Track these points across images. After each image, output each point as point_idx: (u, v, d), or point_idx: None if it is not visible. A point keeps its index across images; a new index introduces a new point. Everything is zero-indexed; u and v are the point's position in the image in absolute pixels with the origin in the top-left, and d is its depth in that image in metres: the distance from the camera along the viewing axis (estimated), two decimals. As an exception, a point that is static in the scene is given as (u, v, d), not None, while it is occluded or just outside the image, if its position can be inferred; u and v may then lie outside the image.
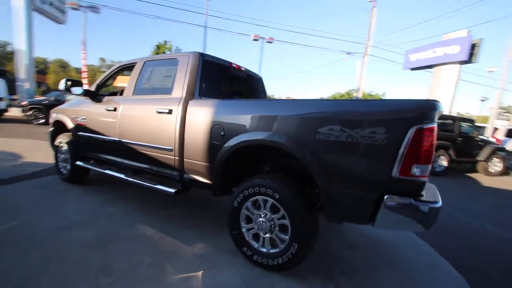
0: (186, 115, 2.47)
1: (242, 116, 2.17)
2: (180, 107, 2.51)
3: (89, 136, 3.41)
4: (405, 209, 1.56)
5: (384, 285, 2.10)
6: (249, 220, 2.19)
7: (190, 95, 2.55)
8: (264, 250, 2.10)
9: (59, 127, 4.04)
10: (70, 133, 3.81)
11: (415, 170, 1.53)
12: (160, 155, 2.68)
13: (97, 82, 3.54)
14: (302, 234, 1.90)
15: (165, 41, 29.31)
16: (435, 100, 1.58)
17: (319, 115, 1.79)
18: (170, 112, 2.55)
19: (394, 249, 2.76)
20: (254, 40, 18.89)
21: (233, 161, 2.25)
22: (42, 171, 4.42)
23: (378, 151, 1.59)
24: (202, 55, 2.69)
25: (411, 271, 2.35)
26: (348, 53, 21.72)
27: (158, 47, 28.98)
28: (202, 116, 2.37)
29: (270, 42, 18.96)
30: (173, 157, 2.58)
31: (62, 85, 3.36)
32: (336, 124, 1.70)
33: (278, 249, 2.03)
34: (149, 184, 2.75)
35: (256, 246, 2.14)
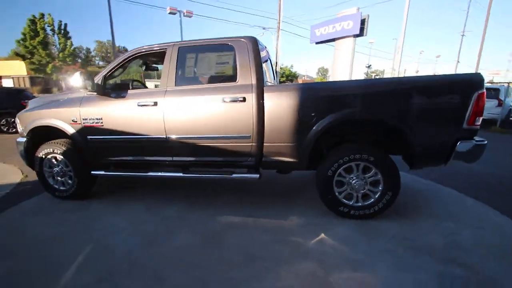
0: (265, 101, 2.54)
1: (332, 96, 2.47)
2: (254, 94, 2.55)
3: (111, 139, 2.92)
4: (471, 148, 2.31)
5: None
6: (340, 184, 2.60)
7: (261, 81, 2.61)
8: (359, 204, 2.59)
9: (39, 135, 3.21)
10: (68, 140, 3.12)
11: (477, 121, 2.28)
12: (232, 144, 2.68)
13: (103, 73, 2.96)
14: (395, 183, 2.47)
15: (42, 14, 23.11)
16: (480, 74, 2.32)
17: (410, 90, 2.31)
18: (243, 100, 2.56)
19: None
20: (171, 13, 17.26)
21: (319, 137, 2.55)
22: (9, 195, 3.45)
23: (454, 110, 2.26)
24: (257, 40, 2.72)
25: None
26: (264, 28, 22.69)
27: (32, 21, 22.65)
28: (286, 101, 2.51)
29: (190, 16, 17.75)
30: (250, 144, 2.64)
31: (77, 80, 2.69)
32: (425, 94, 2.27)
33: (372, 200, 2.56)
34: (226, 175, 2.74)
35: (351, 203, 2.60)
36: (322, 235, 2.36)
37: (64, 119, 3.01)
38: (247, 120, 2.58)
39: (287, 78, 38.01)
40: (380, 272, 1.86)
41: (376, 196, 2.55)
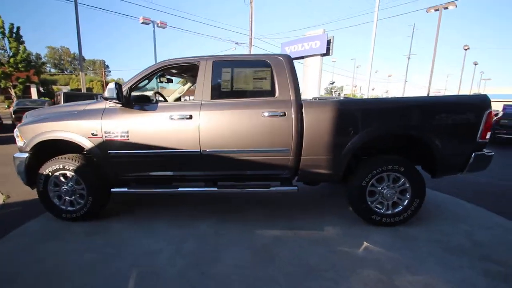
0: (304, 116, 2.65)
1: (369, 112, 2.67)
2: (294, 109, 2.65)
3: (137, 153, 2.74)
4: (482, 158, 2.68)
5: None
6: (372, 194, 2.78)
7: (299, 97, 2.72)
8: (389, 212, 2.79)
9: (44, 150, 2.90)
10: (80, 155, 2.88)
11: (487, 135, 2.66)
12: (270, 157, 2.72)
13: (129, 84, 2.81)
14: (421, 191, 2.72)
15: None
16: (487, 95, 2.73)
17: (438, 107, 2.62)
18: (284, 114, 2.64)
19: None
20: (144, 23, 16.75)
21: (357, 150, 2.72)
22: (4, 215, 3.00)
23: (471, 126, 2.62)
24: (292, 58, 2.85)
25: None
26: (236, 43, 23.20)
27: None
28: (324, 116, 2.64)
29: (163, 27, 17.40)
30: (288, 157, 2.71)
31: (111, 92, 2.50)
32: (449, 112, 2.59)
33: (401, 208, 2.77)
34: (264, 189, 2.75)
35: (382, 211, 2.79)
36: (365, 243, 2.48)
37: (81, 132, 2.76)
38: (286, 134, 2.65)
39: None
40: (435, 274, 2.02)
41: (405, 203, 2.77)
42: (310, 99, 7.66)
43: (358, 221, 2.87)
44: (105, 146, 2.76)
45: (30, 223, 2.89)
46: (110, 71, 62.18)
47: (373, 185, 2.75)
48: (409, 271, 2.06)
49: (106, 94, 2.58)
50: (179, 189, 2.81)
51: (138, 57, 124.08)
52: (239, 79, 2.86)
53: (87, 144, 2.77)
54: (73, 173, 2.83)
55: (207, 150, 2.71)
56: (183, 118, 2.69)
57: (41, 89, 30.44)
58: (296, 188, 2.75)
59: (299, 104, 2.68)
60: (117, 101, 2.64)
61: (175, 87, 4.27)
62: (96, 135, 2.74)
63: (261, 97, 2.76)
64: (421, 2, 28.00)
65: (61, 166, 2.81)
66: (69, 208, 2.92)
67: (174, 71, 3.54)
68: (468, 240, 2.56)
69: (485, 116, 2.61)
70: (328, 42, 21.78)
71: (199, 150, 2.71)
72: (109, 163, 2.81)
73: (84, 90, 16.31)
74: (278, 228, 2.78)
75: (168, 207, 3.32)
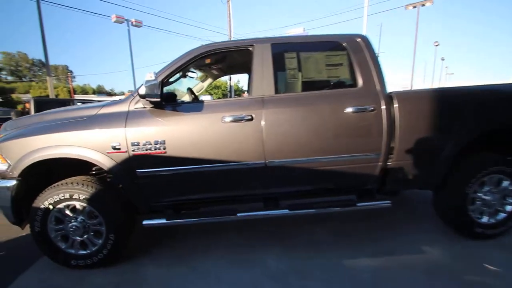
0: (397, 110, 2.09)
1: (484, 102, 2.17)
2: (384, 102, 2.08)
3: (179, 170, 2.01)
4: None
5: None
6: (473, 201, 2.29)
7: (385, 87, 2.16)
8: (492, 221, 2.30)
9: (36, 174, 2.07)
10: (91, 177, 2.09)
11: None
12: (354, 165, 2.13)
13: (161, 77, 2.05)
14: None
15: None
16: None
17: None
18: (372, 110, 2.06)
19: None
20: (117, 22, 15.35)
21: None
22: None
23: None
24: (368, 38, 2.28)
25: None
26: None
27: None
28: (422, 110, 2.10)
29: (138, 26, 16.11)
30: (377, 163, 2.14)
31: (152, 87, 1.74)
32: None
33: (504, 215, 2.30)
34: (350, 206, 2.15)
35: (484, 221, 2.30)
36: (488, 266, 1.97)
37: (97, 146, 1.97)
38: (376, 134, 2.07)
39: (235, 93, 38.00)
40: None
41: (508, 209, 2.31)
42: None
43: (449, 234, 2.38)
44: (133, 163, 1.99)
45: (21, 279, 2.03)
46: (74, 77, 57.85)
47: (475, 192, 2.26)
48: None
49: (144, 90, 1.82)
50: (238, 215, 2.11)
51: (108, 60, 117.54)
52: (308, 66, 2.21)
53: (106, 162, 1.98)
54: (85, 204, 2.02)
55: (274, 160, 2.05)
56: (240, 120, 2.00)
57: (-1, 98, 27.48)
58: (389, 202, 2.17)
59: (389, 96, 2.11)
60: (153, 100, 1.89)
61: (175, 87, 3.51)
62: (119, 149, 1.97)
63: (339, 88, 2.16)
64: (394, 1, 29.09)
65: (67, 196, 1.99)
66: (81, 252, 2.10)
67: (225, 58, 2.80)
68: None
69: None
70: (310, 40, 21.72)
71: (263, 161, 2.04)
72: (138, 186, 2.05)
73: (52, 96, 14.56)
74: (366, 254, 2.19)
75: (207, 235, 2.58)
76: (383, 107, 2.06)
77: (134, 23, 15.95)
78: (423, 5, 16.84)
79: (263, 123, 2.01)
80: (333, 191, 2.33)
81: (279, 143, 2.04)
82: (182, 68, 2.15)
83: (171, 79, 2.24)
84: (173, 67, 2.10)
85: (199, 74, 3.24)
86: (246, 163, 2.04)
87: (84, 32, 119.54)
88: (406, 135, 2.12)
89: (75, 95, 35.56)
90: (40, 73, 52.22)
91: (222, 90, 33.62)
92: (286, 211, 2.14)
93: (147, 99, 1.87)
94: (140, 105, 2.04)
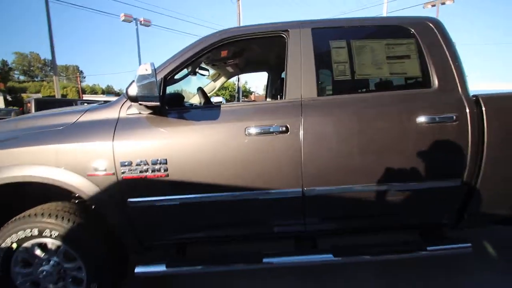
0: (488, 121, 1.50)
1: None
2: (469, 109, 1.49)
3: (184, 200, 1.47)
4: None
5: None
6: None
7: (466, 88, 1.57)
8: None
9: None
10: (70, 205, 1.55)
11: None
12: (425, 193, 1.55)
13: (163, 72, 1.52)
14: None
15: None
16: None
17: None
18: (454, 120, 1.47)
19: None
20: (125, 21, 15.07)
21: None
22: None
23: None
24: (442, 23, 1.69)
25: None
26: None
27: None
28: (522, 119, 1.51)
29: (147, 25, 15.79)
30: (456, 191, 1.55)
31: (148, 85, 1.20)
32: None
33: None
34: (413, 253, 1.55)
35: None
36: None
37: (73, 166, 1.44)
38: (458, 153, 1.49)
39: (242, 94, 37.46)
40: None
41: None
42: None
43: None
44: (122, 189, 1.46)
45: None
46: (84, 77, 58.60)
47: None
48: None
49: (136, 89, 1.28)
50: (265, 260, 1.54)
51: (117, 61, 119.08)
52: (363, 58, 1.61)
53: (85, 187, 1.44)
54: (59, 242, 1.50)
55: (315, 188, 1.49)
56: (271, 133, 1.45)
57: (8, 97, 27.93)
58: (469, 246, 1.58)
59: (475, 100, 1.52)
60: (151, 104, 1.35)
61: (177, 88, 2.96)
62: (104, 170, 1.43)
63: (406, 90, 1.59)
64: None
65: (35, 232, 1.47)
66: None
67: (224, 54, 2.23)
68: None
69: None
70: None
71: (299, 189, 1.48)
72: (128, 220, 1.51)
73: (58, 96, 14.32)
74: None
75: (224, 282, 2.00)
76: (468, 116, 1.48)
77: (142, 22, 15.64)
78: (443, 3, 15.98)
79: (301, 136, 1.45)
80: (388, 227, 1.75)
81: (322, 165, 1.48)
82: (192, 61, 1.59)
83: (177, 76, 1.70)
84: (180, 59, 1.55)
85: (211, 71, 2.69)
86: (276, 191, 1.48)
87: (96, 32, 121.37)
88: (498, 154, 1.53)
89: (84, 95, 35.80)
90: (51, 73, 53.09)
91: (230, 91, 33.07)
92: (330, 256, 1.56)
93: (140, 102, 1.32)
94: (134, 110, 1.50)
